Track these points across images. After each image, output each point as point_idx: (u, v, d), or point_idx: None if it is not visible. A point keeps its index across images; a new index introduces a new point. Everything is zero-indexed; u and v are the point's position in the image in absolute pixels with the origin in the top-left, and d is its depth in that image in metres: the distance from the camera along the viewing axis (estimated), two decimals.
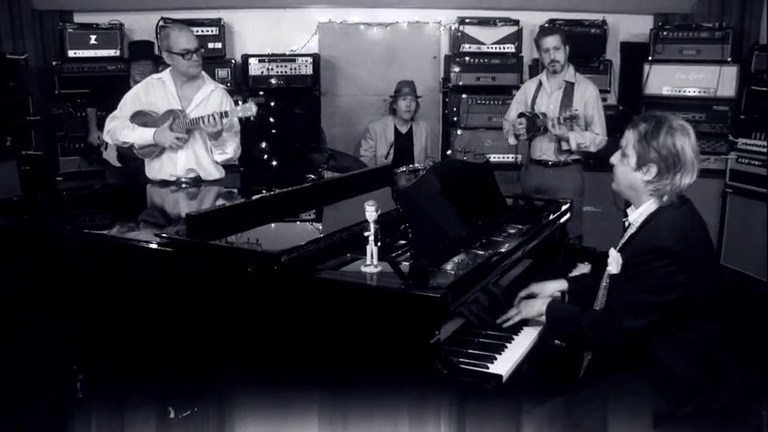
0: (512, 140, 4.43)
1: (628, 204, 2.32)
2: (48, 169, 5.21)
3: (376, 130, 5.08)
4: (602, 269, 2.36)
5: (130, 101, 3.61)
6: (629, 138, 2.16)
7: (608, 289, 2.27)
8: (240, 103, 3.48)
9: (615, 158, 2.24)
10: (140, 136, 3.52)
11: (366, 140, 5.11)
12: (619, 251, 2.22)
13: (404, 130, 5.11)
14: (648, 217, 2.17)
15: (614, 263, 2.19)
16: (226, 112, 3.44)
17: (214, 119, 3.39)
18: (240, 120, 3.59)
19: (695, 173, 2.12)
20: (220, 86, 3.71)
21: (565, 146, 4.20)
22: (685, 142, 2.09)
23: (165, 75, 3.61)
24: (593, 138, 4.17)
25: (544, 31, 4.36)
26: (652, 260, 2.05)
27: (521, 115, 4.27)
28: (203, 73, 3.68)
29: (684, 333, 2.10)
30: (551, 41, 4.17)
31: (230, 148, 3.61)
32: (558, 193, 4.14)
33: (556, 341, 2.38)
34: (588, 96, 4.22)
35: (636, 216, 2.21)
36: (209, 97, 3.61)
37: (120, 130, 3.54)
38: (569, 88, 4.23)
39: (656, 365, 2.11)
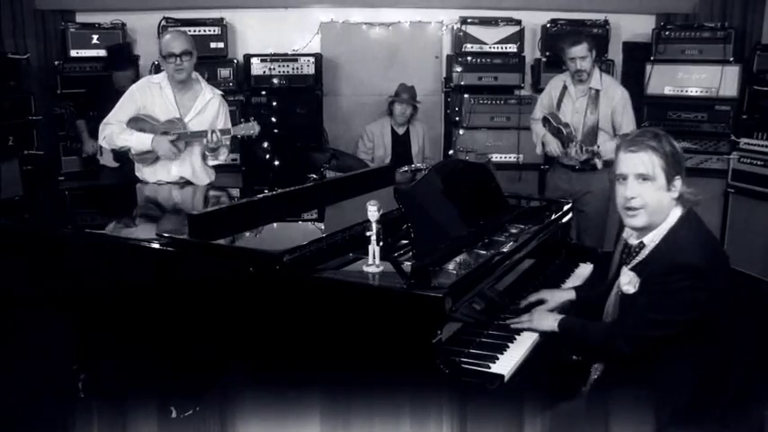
0: (539, 149, 4.35)
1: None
2: (49, 169, 5.21)
3: (374, 132, 5.10)
4: (606, 273, 2.34)
5: (127, 102, 3.56)
6: (654, 161, 2.06)
7: (621, 307, 2.21)
8: (243, 121, 3.53)
9: (634, 191, 2.09)
10: (138, 140, 3.48)
11: (363, 142, 5.11)
12: (632, 269, 2.15)
13: (400, 131, 5.13)
14: (667, 234, 2.10)
15: (631, 284, 2.13)
16: (228, 130, 3.50)
17: (217, 136, 3.42)
18: (242, 138, 3.65)
19: None
20: (218, 93, 3.69)
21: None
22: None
23: (164, 80, 3.56)
24: None
25: (571, 40, 4.20)
26: (677, 279, 1.99)
27: (545, 121, 4.19)
28: (201, 79, 3.67)
29: (694, 343, 2.05)
30: (578, 51, 4.06)
31: (223, 156, 3.68)
32: (586, 198, 4.14)
33: (573, 356, 2.36)
34: (616, 103, 4.11)
35: (652, 236, 2.13)
36: (207, 105, 3.61)
37: (117, 134, 3.50)
38: (595, 95, 4.12)
39: (659, 370, 2.08)
